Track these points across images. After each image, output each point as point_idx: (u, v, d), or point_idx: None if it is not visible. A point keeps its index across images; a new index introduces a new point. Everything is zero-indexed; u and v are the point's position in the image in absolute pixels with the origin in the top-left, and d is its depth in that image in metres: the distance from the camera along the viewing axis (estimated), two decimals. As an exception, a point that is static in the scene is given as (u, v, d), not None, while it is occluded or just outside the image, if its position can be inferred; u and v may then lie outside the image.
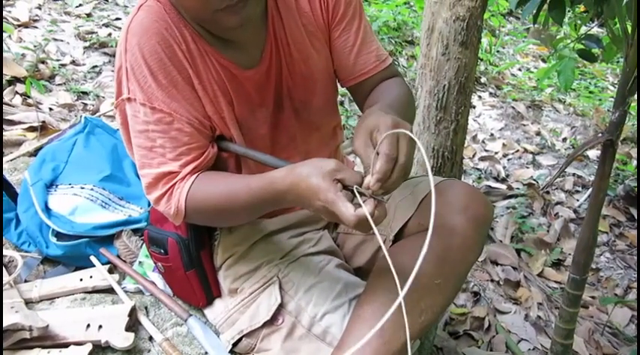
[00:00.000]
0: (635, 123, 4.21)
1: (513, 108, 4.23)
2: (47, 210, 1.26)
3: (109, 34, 2.95)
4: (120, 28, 3.13)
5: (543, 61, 5.47)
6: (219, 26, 0.88)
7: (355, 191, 0.72)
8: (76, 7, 3.17)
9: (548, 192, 3.15)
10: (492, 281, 2.33)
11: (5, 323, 0.95)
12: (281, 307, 0.95)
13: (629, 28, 1.30)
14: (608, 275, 2.58)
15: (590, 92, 4.73)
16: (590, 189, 3.17)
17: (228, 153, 0.98)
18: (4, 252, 1.21)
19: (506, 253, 2.48)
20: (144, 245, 1.23)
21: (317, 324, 0.92)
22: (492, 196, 2.93)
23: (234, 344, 1.00)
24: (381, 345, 0.83)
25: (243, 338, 0.98)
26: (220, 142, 0.98)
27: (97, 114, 2.26)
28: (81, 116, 1.58)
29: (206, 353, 1.06)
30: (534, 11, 1.91)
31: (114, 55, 2.80)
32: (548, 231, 2.78)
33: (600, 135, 1.40)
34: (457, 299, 2.16)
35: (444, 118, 1.98)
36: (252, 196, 0.83)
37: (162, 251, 1.04)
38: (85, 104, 2.39)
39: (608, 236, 2.86)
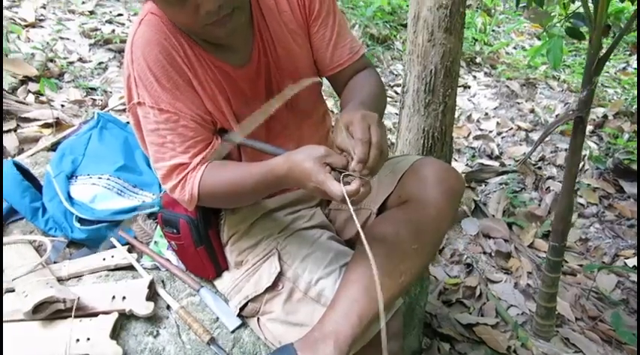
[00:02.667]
0: (629, 97, 4.31)
1: (508, 86, 4.31)
2: (70, 198, 1.40)
3: (113, 31, 3.07)
4: (122, 24, 3.25)
5: (538, 38, 5.53)
6: (209, 37, 1.01)
7: (341, 172, 0.85)
8: (82, 3, 3.29)
9: (540, 168, 3.27)
10: (485, 253, 2.47)
11: (43, 297, 1.10)
12: (281, 275, 1.09)
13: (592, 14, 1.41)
14: (597, 244, 2.71)
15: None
16: (582, 163, 3.30)
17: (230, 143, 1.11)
18: (34, 237, 1.35)
19: (498, 227, 2.61)
20: (158, 227, 1.38)
21: (312, 288, 1.06)
22: (485, 173, 3.05)
23: (241, 309, 1.14)
24: (367, 303, 0.97)
25: (249, 303, 1.13)
26: (223, 134, 1.11)
27: (106, 109, 2.39)
28: (94, 112, 1.71)
29: (217, 318, 1.20)
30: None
31: (119, 52, 2.93)
32: (539, 204, 2.91)
33: (570, 112, 1.52)
34: (450, 270, 2.31)
35: (432, 101, 2.09)
36: (256, 182, 0.96)
37: (174, 231, 1.18)
38: (94, 100, 2.52)
39: (598, 207, 2.98)
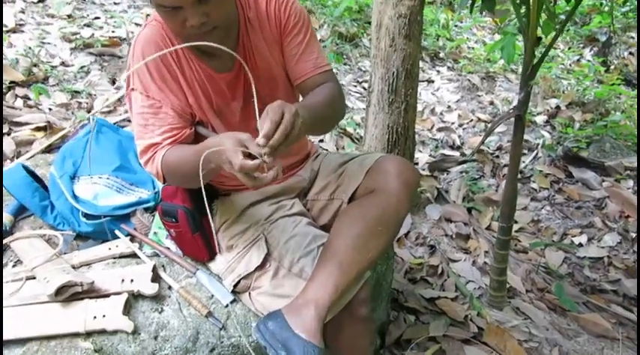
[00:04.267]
0: (580, 88, 4.62)
1: (469, 80, 4.57)
2: (75, 197, 1.57)
3: (92, 35, 3.19)
4: (100, 27, 3.37)
5: (499, 33, 5.82)
6: (197, 45, 1.21)
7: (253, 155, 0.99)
8: (61, 6, 3.40)
9: (497, 157, 3.54)
10: (446, 235, 2.72)
11: (63, 281, 1.28)
12: (268, 255, 1.30)
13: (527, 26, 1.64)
14: (548, 225, 3.00)
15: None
16: (535, 152, 3.59)
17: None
18: (47, 231, 1.53)
19: (458, 212, 2.86)
20: (155, 219, 1.57)
21: (295, 265, 1.27)
22: (447, 163, 3.29)
23: (235, 286, 1.35)
24: (341, 276, 1.19)
25: (242, 281, 1.33)
26: (196, 126, 1.33)
27: (92, 111, 2.55)
28: (89, 117, 1.88)
29: (212, 295, 1.41)
30: (470, 2, 2.27)
31: (99, 55, 3.07)
32: (496, 190, 3.18)
33: (511, 110, 1.76)
34: (415, 251, 2.55)
35: (395, 100, 2.32)
36: (197, 155, 1.09)
37: (173, 220, 1.37)
38: (80, 103, 2.66)
39: (549, 191, 3.26)
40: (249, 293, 1.34)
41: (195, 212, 1.36)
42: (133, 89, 1.26)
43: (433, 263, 2.48)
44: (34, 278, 1.37)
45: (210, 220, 1.38)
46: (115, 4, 3.89)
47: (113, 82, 2.93)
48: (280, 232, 1.32)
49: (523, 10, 1.61)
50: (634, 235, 2.89)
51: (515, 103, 4.33)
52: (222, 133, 1.14)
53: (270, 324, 1.13)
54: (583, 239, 2.88)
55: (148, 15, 3.74)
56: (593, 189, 3.25)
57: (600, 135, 3.60)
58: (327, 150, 2.94)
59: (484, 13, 5.71)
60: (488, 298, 2.23)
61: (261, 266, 1.30)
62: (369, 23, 4.82)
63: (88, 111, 2.58)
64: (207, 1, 1.10)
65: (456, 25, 5.49)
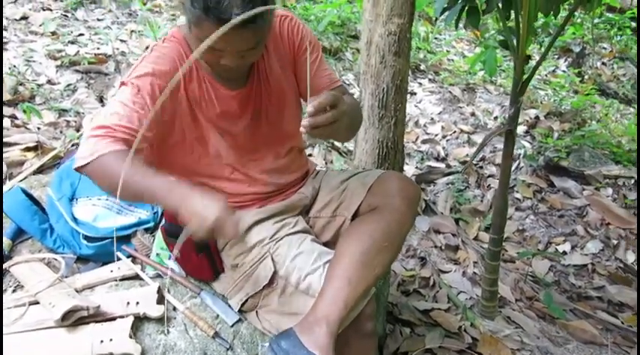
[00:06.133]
0: (557, 98, 4.76)
1: (450, 92, 4.67)
2: (75, 219, 1.57)
3: (77, 52, 3.18)
4: (85, 44, 3.36)
5: (476, 45, 5.96)
6: (219, 71, 1.26)
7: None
8: (39, 25, 3.38)
9: (481, 167, 3.62)
10: (436, 247, 2.77)
11: (69, 306, 1.27)
12: (275, 273, 1.31)
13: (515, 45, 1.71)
14: (532, 234, 3.07)
15: (518, 72, 5.26)
16: (517, 162, 3.68)
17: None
18: (47, 255, 1.52)
19: (446, 223, 2.92)
20: (157, 240, 1.57)
21: (302, 283, 1.29)
22: (433, 174, 3.37)
23: (242, 305, 1.36)
24: (350, 292, 1.21)
25: (249, 300, 1.35)
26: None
27: (81, 131, 2.53)
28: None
29: (217, 315, 1.42)
30: (455, 18, 2.34)
31: (86, 73, 3.06)
32: (482, 201, 3.25)
33: (502, 126, 1.81)
34: (407, 263, 2.59)
35: (385, 115, 2.36)
36: (145, 180, 1.08)
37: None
38: (68, 121, 2.64)
39: (532, 201, 3.35)
40: (257, 312, 1.35)
41: (200, 231, 1.37)
42: (124, 83, 1.21)
43: (424, 275, 2.52)
44: (38, 303, 1.36)
45: (216, 240, 1.40)
46: (99, 20, 3.88)
47: (101, 99, 2.92)
48: (286, 250, 1.33)
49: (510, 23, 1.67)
50: (615, 242, 2.98)
51: (495, 114, 4.45)
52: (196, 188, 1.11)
53: (283, 343, 1.15)
54: (567, 247, 2.97)
55: (132, 31, 3.75)
56: (575, 198, 3.34)
57: (579, 145, 3.71)
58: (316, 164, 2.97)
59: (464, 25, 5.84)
60: (480, 308, 2.27)
61: (268, 285, 1.32)
62: (352, 37, 4.90)
63: (77, 130, 2.57)
64: (248, 51, 1.16)
65: (435, 38, 5.60)
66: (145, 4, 4.26)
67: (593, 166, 3.55)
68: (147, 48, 3.48)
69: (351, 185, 1.45)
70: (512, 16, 2.26)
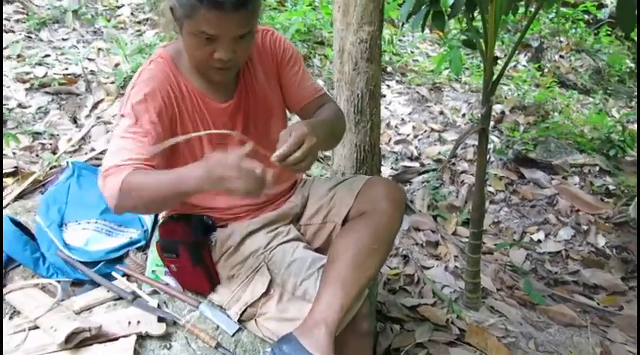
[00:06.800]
0: (520, 92, 4.92)
1: (418, 92, 4.78)
2: (66, 245, 1.58)
3: (46, 74, 3.15)
4: (53, 65, 3.33)
5: (439, 44, 6.11)
6: (206, 75, 1.30)
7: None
8: (4, 48, 3.33)
9: (454, 164, 3.72)
10: (417, 244, 2.84)
11: (71, 328, 1.29)
12: (271, 281, 1.36)
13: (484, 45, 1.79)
14: (507, 225, 3.18)
15: (482, 69, 5.41)
16: (488, 156, 3.80)
17: None
18: (41, 280, 1.53)
19: (425, 220, 3.00)
20: (151, 257, 1.59)
21: (298, 289, 1.34)
22: (408, 174, 3.45)
23: (241, 314, 1.40)
24: (344, 295, 1.26)
25: (248, 309, 1.39)
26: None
27: (58, 153, 2.52)
28: (67, 162, 1.88)
29: (217, 326, 1.45)
30: (421, 22, 2.42)
31: (56, 94, 3.03)
32: (457, 196, 3.34)
33: (475, 125, 1.90)
34: (390, 262, 2.65)
35: (361, 120, 2.43)
36: (174, 175, 1.13)
37: (174, 255, 1.41)
38: (43, 144, 2.62)
39: (505, 193, 3.47)
40: (256, 320, 1.39)
41: (196, 245, 1.40)
42: (122, 115, 1.25)
43: (409, 272, 2.59)
44: (37, 328, 1.37)
45: (212, 252, 1.43)
46: (64, 39, 3.85)
47: (74, 120, 2.91)
48: (281, 258, 1.38)
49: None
50: (586, 228, 3.12)
51: (463, 111, 4.58)
52: (205, 158, 1.13)
53: (285, 347, 1.19)
54: (541, 235, 3.09)
55: (100, 49, 3.73)
56: (544, 188, 3.47)
57: (544, 137, 3.86)
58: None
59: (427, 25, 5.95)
60: (465, 300, 2.36)
61: (266, 293, 1.36)
62: (319, 43, 4.97)
63: (54, 153, 2.56)
64: (241, 39, 1.20)
65: (400, 40, 5.72)
66: (109, 21, 4.24)
67: (560, 156, 3.70)
68: (116, 65, 3.47)
69: (339, 192, 1.51)
70: (476, 14, 2.37)
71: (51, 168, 2.32)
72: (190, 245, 1.40)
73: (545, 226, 3.17)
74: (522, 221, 3.23)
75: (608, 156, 3.81)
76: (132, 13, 4.62)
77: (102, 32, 4.06)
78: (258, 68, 1.43)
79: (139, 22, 4.50)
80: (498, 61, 5.09)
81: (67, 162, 1.89)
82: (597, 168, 3.67)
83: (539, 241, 3.04)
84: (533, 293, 2.40)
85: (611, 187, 3.52)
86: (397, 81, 4.97)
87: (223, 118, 1.38)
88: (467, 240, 2.96)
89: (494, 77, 1.81)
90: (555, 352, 2.15)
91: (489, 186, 3.50)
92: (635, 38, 6.39)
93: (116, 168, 1.16)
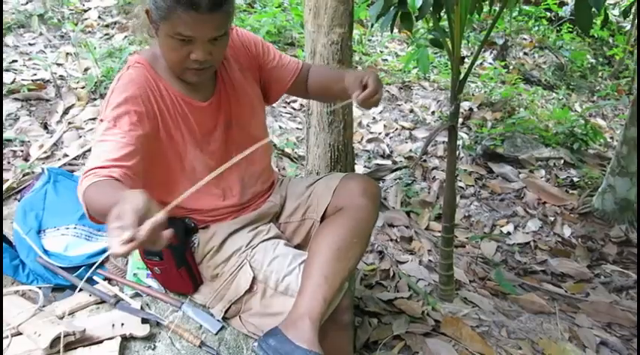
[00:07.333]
0: (487, 89, 5.05)
1: (388, 91, 4.85)
2: (45, 251, 1.58)
3: (14, 80, 3.11)
4: (21, 71, 3.28)
5: (407, 44, 6.22)
6: (183, 76, 1.32)
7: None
8: (-31, 55, 3.27)
9: (425, 161, 3.81)
10: (391, 240, 2.91)
11: (56, 332, 1.30)
12: (254, 279, 1.39)
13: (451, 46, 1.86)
14: (478, 219, 3.28)
15: (450, 67, 5.53)
16: (457, 152, 3.90)
17: None
18: (21, 287, 1.53)
19: (399, 216, 3.07)
20: (133, 261, 1.61)
21: (280, 285, 1.37)
22: (381, 172, 3.52)
23: (225, 312, 1.43)
24: (328, 288, 1.31)
25: (232, 306, 1.42)
26: None
27: (30, 160, 2.49)
28: (42, 168, 1.88)
29: (200, 325, 1.48)
30: (390, 23, 2.48)
31: (26, 100, 2.99)
32: (429, 192, 3.43)
33: (444, 122, 1.97)
34: (366, 258, 2.71)
35: (334, 120, 2.48)
36: (107, 199, 1.00)
37: (157, 258, 1.44)
38: (14, 151, 2.59)
39: (475, 188, 3.57)
40: (240, 317, 1.43)
41: (179, 247, 1.43)
42: (102, 120, 1.24)
43: (384, 267, 2.65)
44: (20, 334, 1.37)
45: (194, 253, 1.46)
46: (30, 44, 3.80)
47: (45, 126, 2.87)
48: (262, 256, 1.42)
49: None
50: (552, 219, 3.24)
51: (432, 109, 4.67)
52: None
53: (271, 341, 1.23)
54: (510, 227, 3.19)
55: (68, 54, 3.69)
56: (512, 182, 3.59)
57: (511, 132, 3.98)
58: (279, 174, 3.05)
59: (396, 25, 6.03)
60: (439, 292, 2.43)
61: (249, 290, 1.39)
62: (289, 44, 5.01)
63: (25, 160, 2.53)
64: (216, 41, 1.23)
65: (369, 40, 5.80)
66: (76, 25, 4.19)
67: (526, 151, 3.83)
68: (86, 70, 3.44)
69: (316, 189, 1.56)
70: (442, 14, 2.44)
71: (24, 175, 2.29)
72: (174, 247, 1.42)
73: (513, 219, 3.28)
74: (492, 214, 3.33)
75: (572, 150, 3.96)
76: (99, 17, 4.57)
77: (69, 36, 4.01)
78: (234, 66, 1.46)
79: (107, 26, 4.46)
80: (465, 60, 5.23)
81: (43, 169, 1.88)
82: (562, 161, 3.81)
83: (509, 233, 3.14)
84: (504, 283, 2.48)
85: (575, 179, 3.67)
86: (368, 80, 5.04)
87: (205, 117, 1.40)
88: (439, 234, 3.03)
89: (462, 75, 1.88)
90: (526, 338, 2.23)
91: (459, 181, 3.59)
92: (596, 35, 6.64)
93: (88, 173, 1.13)
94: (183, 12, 1.15)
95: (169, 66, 1.32)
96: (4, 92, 2.98)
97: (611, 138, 4.69)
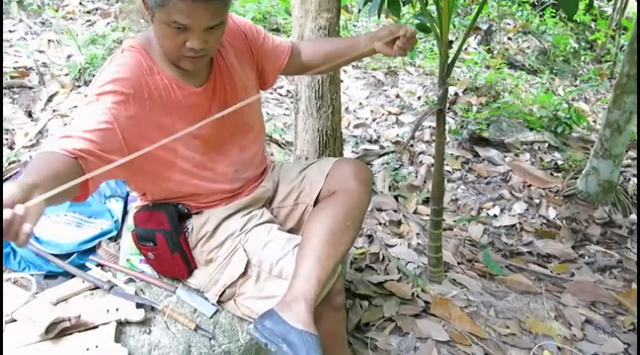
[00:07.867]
0: (472, 75, 5.08)
1: (374, 77, 4.87)
2: (37, 239, 1.57)
3: (-4, 68, 3.05)
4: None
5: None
6: (178, 63, 1.30)
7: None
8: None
9: (412, 145, 3.84)
10: (380, 224, 2.94)
11: (51, 318, 1.30)
12: (248, 262, 1.41)
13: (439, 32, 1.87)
14: (465, 202, 3.32)
15: (435, 52, 5.55)
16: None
17: None
18: (13, 275, 1.52)
19: (387, 201, 3.10)
20: (125, 246, 1.61)
21: (274, 268, 1.39)
22: (369, 157, 3.54)
23: (220, 295, 1.44)
24: (322, 270, 1.32)
25: (227, 290, 1.43)
26: None
27: (16, 148, 2.46)
28: (30, 157, 1.85)
29: (195, 309, 1.49)
30: (377, 9, 2.48)
31: (9, 88, 2.95)
32: (416, 176, 3.46)
33: (432, 106, 1.99)
34: (356, 242, 2.73)
35: (322, 105, 2.49)
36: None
37: (151, 243, 1.44)
38: (-1, 140, 2.55)
39: (461, 172, 3.61)
40: (235, 300, 1.44)
41: (173, 233, 1.43)
42: (86, 95, 1.22)
43: (374, 251, 2.68)
44: (15, 321, 1.37)
45: (188, 238, 1.47)
46: (11, 32, 3.73)
47: (29, 114, 2.84)
48: (256, 240, 1.43)
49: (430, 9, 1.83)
50: (537, 201, 3.30)
51: (418, 94, 4.69)
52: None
53: (267, 322, 1.24)
54: (496, 210, 3.24)
55: (50, 41, 3.63)
56: (498, 165, 3.64)
57: (497, 116, 4.02)
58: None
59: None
60: (428, 274, 2.47)
61: (243, 274, 1.41)
62: (274, 30, 4.98)
63: (11, 148, 2.50)
64: (212, 29, 1.22)
65: (354, 25, 5.79)
66: (57, 11, 4.12)
67: (511, 134, 3.88)
68: (68, 57, 3.39)
69: (309, 174, 1.57)
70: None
71: (10, 164, 2.26)
72: (168, 232, 1.43)
73: (500, 201, 3.33)
74: (479, 197, 3.37)
75: (556, 133, 4.02)
76: (80, 3, 4.50)
77: (50, 23, 3.94)
78: (229, 51, 1.45)
79: (88, 12, 4.40)
80: (452, 44, 5.24)
81: (30, 157, 1.86)
82: (546, 145, 3.86)
83: (495, 216, 3.19)
84: (491, 264, 2.53)
85: (559, 162, 3.73)
86: (353, 66, 5.04)
87: (199, 102, 1.38)
88: (427, 217, 3.07)
89: (450, 60, 1.89)
90: (514, 318, 2.29)
91: (447, 165, 3.63)
92: (578, 19, 6.70)
93: (54, 141, 1.10)
94: (180, 0, 1.14)
95: (164, 52, 1.30)
96: (-15, 80, 2.92)
97: (594, 121, 4.76)
